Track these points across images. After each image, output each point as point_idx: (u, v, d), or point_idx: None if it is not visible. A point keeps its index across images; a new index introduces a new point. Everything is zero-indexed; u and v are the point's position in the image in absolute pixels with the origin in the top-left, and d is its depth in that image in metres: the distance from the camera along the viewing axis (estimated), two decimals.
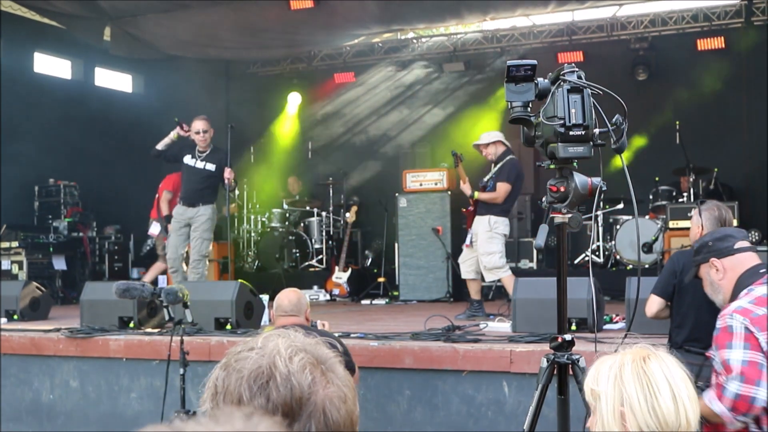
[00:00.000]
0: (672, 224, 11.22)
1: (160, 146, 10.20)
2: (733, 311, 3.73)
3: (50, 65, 15.25)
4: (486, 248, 9.44)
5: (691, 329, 5.33)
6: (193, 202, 10.08)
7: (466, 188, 9.84)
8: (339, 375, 1.56)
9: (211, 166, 10.09)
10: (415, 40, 16.55)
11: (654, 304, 5.48)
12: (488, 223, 9.50)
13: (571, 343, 3.72)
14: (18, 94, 13.44)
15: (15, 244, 12.43)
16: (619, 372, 2.10)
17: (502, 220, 9.55)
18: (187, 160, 10.18)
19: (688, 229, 10.28)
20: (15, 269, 12.47)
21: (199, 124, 10.10)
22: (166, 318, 5.81)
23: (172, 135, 10.13)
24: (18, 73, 14.02)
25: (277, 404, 1.49)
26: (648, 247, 10.25)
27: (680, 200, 12.12)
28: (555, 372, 3.78)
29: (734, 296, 3.95)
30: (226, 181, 10.00)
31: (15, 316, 9.13)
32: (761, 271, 3.81)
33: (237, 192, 14.86)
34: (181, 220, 10.15)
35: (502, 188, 9.53)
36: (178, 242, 10.14)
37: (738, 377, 3.51)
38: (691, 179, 12.17)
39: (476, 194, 9.71)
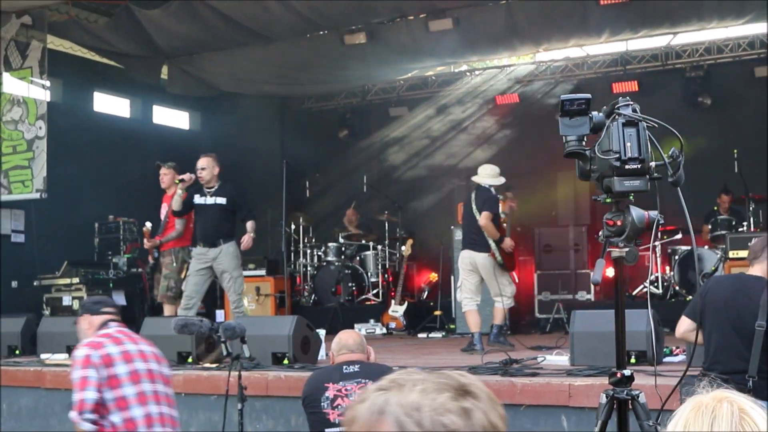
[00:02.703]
0: (732, 254, 11.02)
1: (176, 207, 10.19)
2: (82, 346, 5.01)
3: (109, 104, 15.53)
4: None
5: (714, 352, 5.24)
6: (214, 241, 9.97)
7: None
8: None
9: (222, 200, 10.03)
10: (468, 73, 16.57)
11: (682, 325, 5.42)
12: None
13: (631, 378, 3.67)
14: (78, 132, 13.71)
15: (76, 280, 12.60)
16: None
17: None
18: (197, 199, 10.12)
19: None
20: (76, 305, 12.64)
21: (199, 162, 10.14)
22: (224, 353, 5.84)
23: (179, 192, 10.10)
24: (78, 112, 14.32)
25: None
26: (708, 278, 10.10)
27: (740, 230, 11.95)
28: (614, 407, 3.73)
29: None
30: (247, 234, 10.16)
31: None
32: (109, 323, 5.19)
33: (293, 226, 14.95)
34: (203, 260, 10.01)
35: None
36: (199, 281, 10.02)
37: (77, 389, 4.80)
38: (751, 208, 12.02)
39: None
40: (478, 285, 9.99)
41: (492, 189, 10.02)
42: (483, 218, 9.81)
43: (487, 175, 10.03)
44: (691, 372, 5.44)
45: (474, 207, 9.99)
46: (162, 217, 10.98)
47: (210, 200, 10.05)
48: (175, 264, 10.66)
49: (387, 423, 1.50)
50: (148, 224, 10.91)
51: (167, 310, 10.60)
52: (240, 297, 10.09)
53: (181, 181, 10.05)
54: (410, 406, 1.50)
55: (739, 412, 1.78)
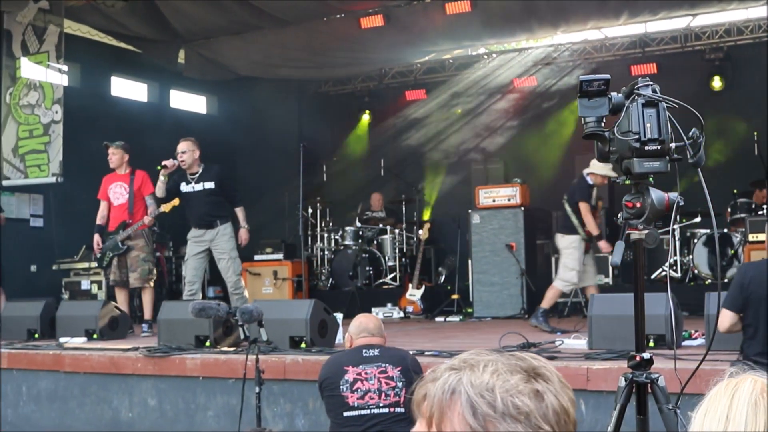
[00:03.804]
0: (752, 237, 10.96)
1: (159, 193, 10.04)
2: None
3: (127, 88, 15.56)
4: None
5: (764, 341, 5.20)
6: (210, 222, 9.91)
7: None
8: None
9: (209, 184, 9.93)
10: (486, 56, 16.49)
11: (726, 319, 5.36)
12: None
13: (650, 361, 3.64)
14: (96, 117, 13.73)
15: (94, 264, 12.63)
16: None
17: None
18: (183, 187, 10.02)
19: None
20: (94, 289, 12.70)
21: (179, 146, 10.00)
22: (242, 337, 5.86)
23: (162, 177, 9.95)
24: (96, 97, 14.35)
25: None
26: (727, 261, 10.05)
27: (759, 213, 11.86)
28: (633, 391, 3.70)
29: None
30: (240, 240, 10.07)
31: (94, 336, 9.28)
32: None
33: (310, 210, 14.97)
34: (200, 243, 9.96)
35: None
36: (198, 265, 10.00)
37: None
38: None
39: None
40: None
41: (587, 177, 9.83)
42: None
43: (593, 165, 9.75)
44: (730, 357, 5.43)
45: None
46: (107, 198, 10.70)
47: (197, 186, 9.95)
48: (148, 246, 10.51)
49: (459, 403, 1.49)
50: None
51: (146, 295, 10.52)
52: (239, 278, 10.03)
53: (164, 167, 9.89)
54: (483, 387, 1.49)
55: (762, 385, 1.79)
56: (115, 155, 10.62)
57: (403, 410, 5.12)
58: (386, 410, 5.18)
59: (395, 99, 16.99)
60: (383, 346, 5.46)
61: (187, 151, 9.97)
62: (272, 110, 16.68)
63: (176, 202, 10.16)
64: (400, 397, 5.16)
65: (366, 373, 5.24)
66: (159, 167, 9.98)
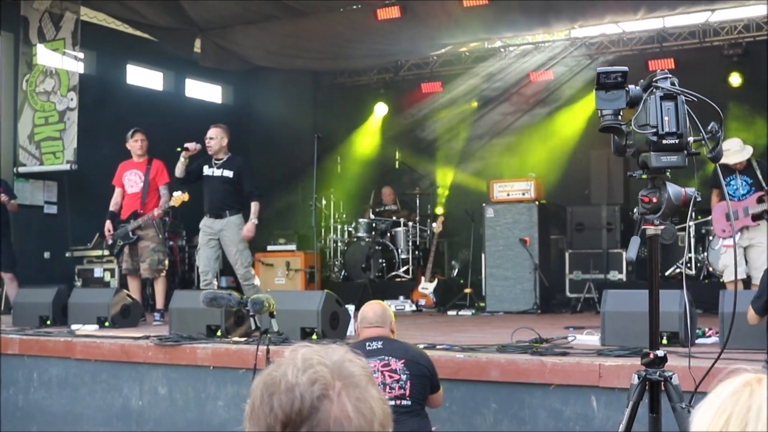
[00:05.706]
0: None
1: (178, 173, 10.02)
2: None
3: (143, 77, 15.56)
4: None
5: None
6: (219, 212, 9.93)
7: None
8: (360, 394, 1.54)
9: (228, 173, 9.94)
10: (502, 49, 16.42)
11: (750, 317, 5.31)
12: None
13: (664, 359, 3.60)
14: (112, 104, 13.74)
15: (107, 252, 12.65)
16: None
17: None
18: (206, 170, 10.06)
19: None
20: (107, 277, 12.72)
21: (209, 132, 10.02)
22: (253, 327, 5.83)
23: (182, 159, 9.96)
24: (112, 85, 14.35)
25: (278, 413, 1.49)
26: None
27: None
28: (646, 389, 3.66)
29: None
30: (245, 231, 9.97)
31: (106, 323, 9.29)
32: None
33: (324, 201, 14.94)
34: (209, 233, 9.98)
35: None
36: (210, 254, 9.98)
37: None
38: None
39: None
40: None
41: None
42: None
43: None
44: (745, 355, 5.38)
45: None
46: (121, 185, 10.75)
47: (217, 172, 9.98)
48: (160, 236, 10.54)
49: None
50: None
51: (159, 284, 10.55)
52: (248, 269, 10.02)
53: (185, 149, 9.92)
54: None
55: (750, 379, 1.78)
56: (144, 142, 10.69)
57: (409, 402, 5.09)
58: (392, 403, 5.14)
59: (411, 91, 16.91)
60: (387, 338, 5.39)
61: (215, 137, 10.01)
62: (287, 101, 16.66)
63: (185, 197, 10.19)
64: (405, 390, 5.12)
65: (370, 367, 5.19)
66: (179, 149, 9.99)
